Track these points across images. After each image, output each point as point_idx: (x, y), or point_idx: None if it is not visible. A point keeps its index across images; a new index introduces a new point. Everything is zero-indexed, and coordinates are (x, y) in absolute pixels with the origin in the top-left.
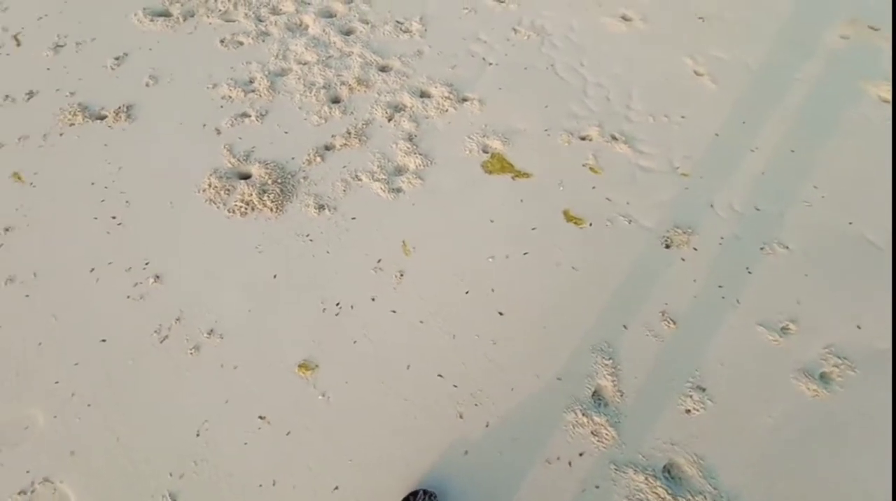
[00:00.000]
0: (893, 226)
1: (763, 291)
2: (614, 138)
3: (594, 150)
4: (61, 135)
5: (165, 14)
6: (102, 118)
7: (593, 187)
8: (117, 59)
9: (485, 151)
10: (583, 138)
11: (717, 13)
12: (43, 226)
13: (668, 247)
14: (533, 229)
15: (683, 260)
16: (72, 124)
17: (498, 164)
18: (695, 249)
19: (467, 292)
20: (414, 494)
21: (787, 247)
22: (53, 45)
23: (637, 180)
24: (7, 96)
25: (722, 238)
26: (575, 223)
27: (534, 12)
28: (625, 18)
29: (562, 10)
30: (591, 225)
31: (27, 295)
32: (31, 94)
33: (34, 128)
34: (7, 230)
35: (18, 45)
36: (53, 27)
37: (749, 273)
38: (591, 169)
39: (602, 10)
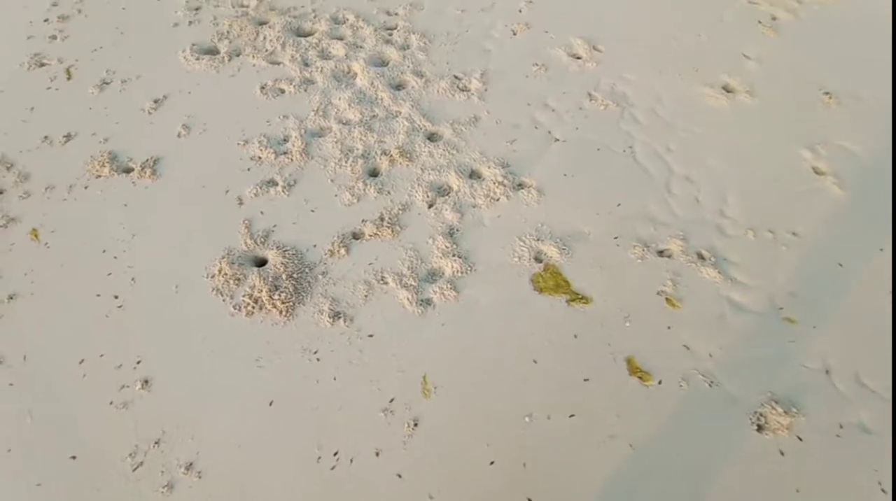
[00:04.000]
0: (893, 227)
1: None
2: (701, 257)
3: (674, 272)
4: (86, 187)
5: (212, 52)
6: (129, 171)
7: (668, 327)
8: (156, 101)
9: (537, 260)
10: (661, 253)
11: (849, 88)
12: (46, 298)
13: (760, 429)
14: (586, 380)
15: (782, 453)
16: (98, 176)
17: (552, 281)
18: (799, 438)
19: (492, 463)
20: None
21: None
22: (101, 81)
23: (727, 322)
24: (46, 137)
25: (841, 426)
26: (640, 378)
27: (615, 75)
28: (727, 90)
29: (649, 75)
30: (660, 383)
31: (11, 384)
32: (68, 137)
33: (63, 177)
34: (11, 298)
35: (69, 78)
36: (105, 61)
37: (882, 490)
38: (667, 299)
39: (698, 76)
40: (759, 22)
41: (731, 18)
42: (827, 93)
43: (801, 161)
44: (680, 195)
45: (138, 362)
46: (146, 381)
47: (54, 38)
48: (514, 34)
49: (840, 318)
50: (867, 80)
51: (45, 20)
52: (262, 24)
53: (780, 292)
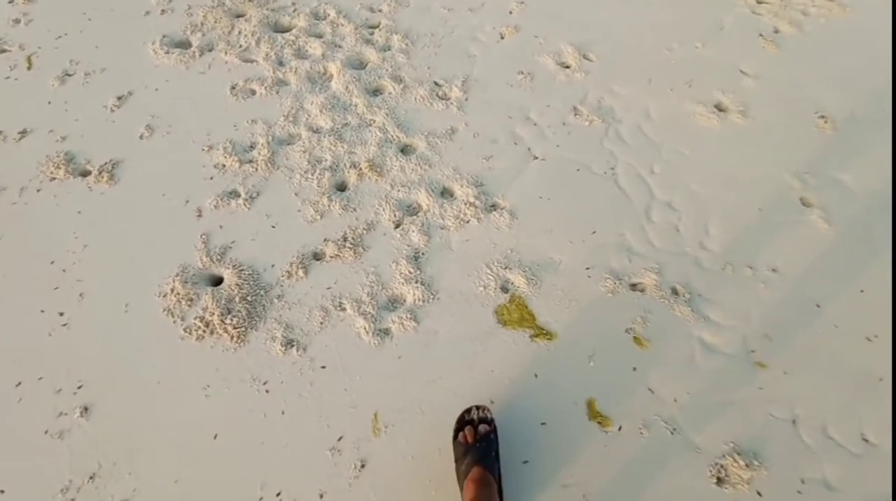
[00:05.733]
0: (893, 226)
1: None
2: (675, 293)
3: (645, 308)
4: (39, 191)
5: (184, 45)
6: (85, 174)
7: (634, 368)
8: (120, 98)
9: (504, 289)
10: (633, 286)
11: (846, 111)
12: None
13: (720, 482)
14: (543, 424)
15: None
16: (53, 178)
17: (517, 314)
18: (759, 494)
19: None
20: (468, 410)
21: None
22: (62, 73)
23: (695, 365)
24: (0, 132)
25: (803, 482)
26: (600, 423)
27: (604, 87)
28: (719, 108)
29: (639, 89)
30: (620, 429)
31: None
32: (23, 134)
33: (14, 178)
34: None
35: (30, 67)
36: (69, 50)
37: None
38: (635, 338)
39: (691, 92)
40: (761, 34)
41: (731, 27)
42: (822, 117)
43: (788, 190)
44: (659, 223)
45: (79, 387)
46: (86, 408)
47: (18, 21)
48: (502, 37)
49: (812, 364)
50: (865, 102)
51: (10, 1)
52: (238, 16)
53: (754, 333)
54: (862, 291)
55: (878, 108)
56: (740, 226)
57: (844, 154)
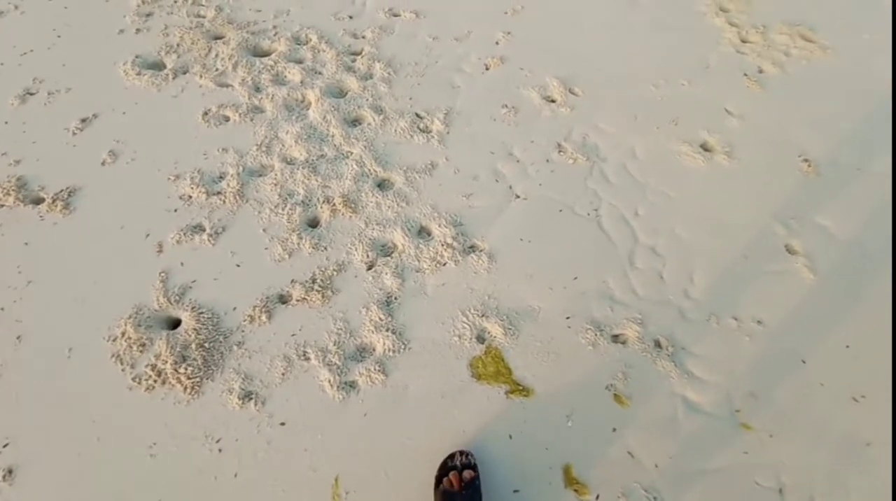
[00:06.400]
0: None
1: None
2: (658, 346)
3: (626, 363)
4: None
5: (157, 66)
6: (38, 202)
7: (614, 429)
8: (84, 121)
9: (480, 339)
10: (615, 338)
11: (829, 155)
12: None
13: None
14: (515, 492)
15: None
16: (1, 205)
17: (492, 367)
18: None
19: None
20: (451, 456)
21: None
22: (24, 91)
23: (678, 426)
24: None
25: None
26: (576, 491)
27: (589, 123)
28: (704, 148)
29: (624, 126)
30: (597, 498)
31: None
32: None
33: None
34: None
35: None
36: (34, 67)
37: None
38: (616, 396)
39: (677, 131)
40: (745, 74)
41: (716, 65)
42: (806, 161)
43: (773, 236)
44: (643, 270)
45: (5, 445)
46: (10, 471)
47: None
48: (487, 69)
49: (798, 426)
50: (849, 147)
51: None
52: (216, 38)
53: (739, 391)
54: (847, 346)
55: (858, 153)
56: (725, 274)
57: (827, 198)
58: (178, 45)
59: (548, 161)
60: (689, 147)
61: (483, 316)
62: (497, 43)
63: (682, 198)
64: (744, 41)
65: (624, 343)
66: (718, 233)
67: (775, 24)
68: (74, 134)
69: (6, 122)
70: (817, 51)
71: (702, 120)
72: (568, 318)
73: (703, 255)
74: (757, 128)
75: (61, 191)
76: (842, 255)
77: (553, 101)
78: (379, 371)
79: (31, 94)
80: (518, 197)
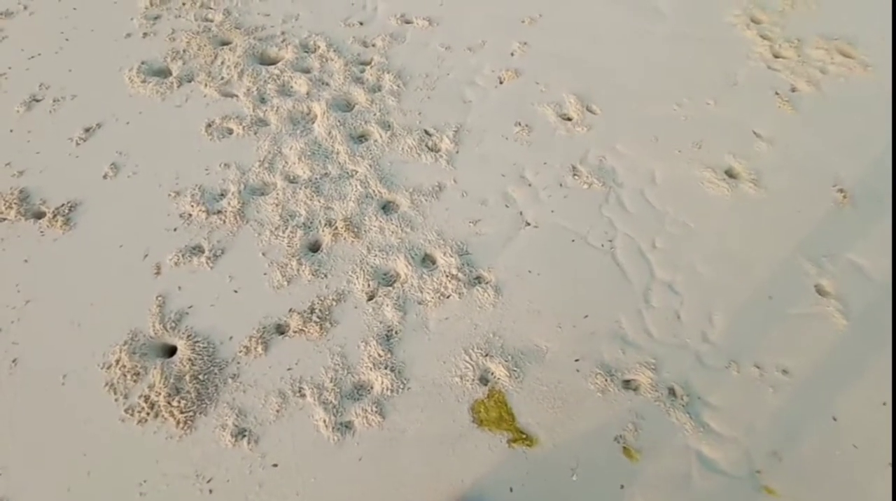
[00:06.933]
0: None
1: None
2: (673, 394)
3: (638, 412)
4: None
5: (162, 73)
6: (39, 217)
7: (622, 486)
8: (87, 130)
9: (483, 380)
10: (626, 383)
11: (867, 185)
12: None
13: None
14: None
15: None
16: (3, 219)
17: (495, 412)
18: None
19: None
20: None
21: None
22: (30, 97)
23: (692, 485)
24: None
25: None
26: None
27: (606, 145)
28: (730, 175)
29: (644, 149)
30: None
31: None
32: None
33: None
34: None
35: None
36: (41, 72)
37: None
38: (625, 449)
39: (700, 155)
40: (777, 93)
41: (745, 82)
42: (841, 191)
43: (803, 276)
44: (659, 308)
45: None
46: None
47: None
48: (501, 82)
49: (828, 494)
50: (889, 177)
51: None
52: (223, 44)
53: (760, 449)
54: (884, 403)
55: None
56: (748, 316)
57: (863, 234)
58: (184, 50)
59: (561, 185)
60: (712, 173)
61: (487, 355)
62: (512, 54)
63: (703, 229)
64: (776, 56)
65: (636, 389)
66: (742, 269)
67: (811, 37)
68: (78, 144)
69: (11, 131)
70: (857, 68)
71: (727, 143)
72: (577, 360)
73: (725, 294)
74: (787, 154)
75: (62, 205)
76: (878, 298)
77: (569, 120)
78: (376, 412)
79: (37, 101)
80: (528, 224)
